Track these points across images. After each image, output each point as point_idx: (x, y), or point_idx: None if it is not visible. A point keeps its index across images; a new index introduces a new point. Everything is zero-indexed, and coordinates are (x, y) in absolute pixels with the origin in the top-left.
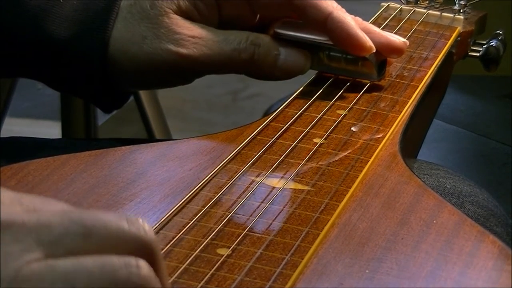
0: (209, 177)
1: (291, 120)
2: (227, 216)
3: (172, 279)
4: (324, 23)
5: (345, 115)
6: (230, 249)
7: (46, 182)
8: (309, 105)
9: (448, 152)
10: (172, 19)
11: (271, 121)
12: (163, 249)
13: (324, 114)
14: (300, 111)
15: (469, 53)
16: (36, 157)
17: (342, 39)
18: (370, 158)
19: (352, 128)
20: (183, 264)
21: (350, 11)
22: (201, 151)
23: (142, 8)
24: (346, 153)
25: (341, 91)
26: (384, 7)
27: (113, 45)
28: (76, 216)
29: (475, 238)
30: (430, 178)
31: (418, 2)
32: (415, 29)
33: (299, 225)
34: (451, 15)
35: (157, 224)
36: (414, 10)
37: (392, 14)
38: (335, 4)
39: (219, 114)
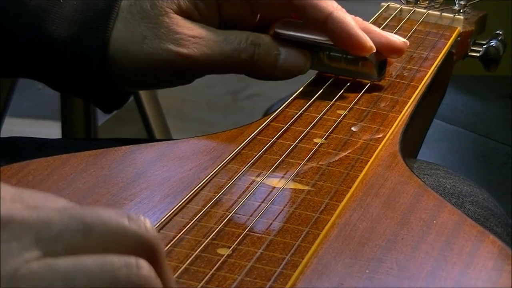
0: (209, 177)
1: (291, 120)
2: (228, 216)
3: None
4: (324, 23)
5: (345, 115)
6: (231, 249)
7: (46, 182)
8: (309, 105)
9: (448, 152)
10: (173, 19)
11: (271, 121)
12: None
13: (324, 114)
14: (300, 111)
15: (469, 53)
16: (36, 157)
17: (342, 39)
18: (370, 158)
19: (352, 128)
20: (184, 264)
21: (350, 11)
22: (201, 151)
23: (142, 8)
24: (346, 153)
25: (341, 91)
26: (384, 7)
27: (113, 45)
28: (76, 212)
29: (475, 238)
30: (430, 178)
31: (418, 2)
32: (415, 29)
33: (299, 225)
34: (451, 15)
35: (157, 224)
36: (414, 10)
37: (392, 14)
38: (335, 4)
39: (219, 114)
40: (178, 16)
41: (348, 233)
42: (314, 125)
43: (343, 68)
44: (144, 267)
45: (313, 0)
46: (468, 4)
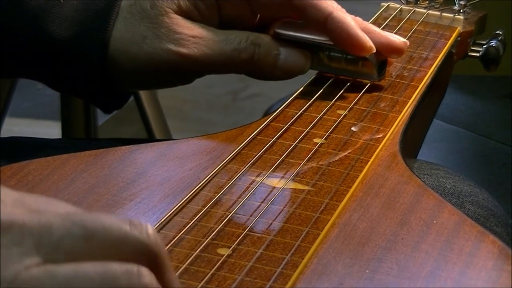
0: (209, 177)
1: (291, 120)
2: (228, 216)
3: None
4: (324, 23)
5: (345, 115)
6: (231, 249)
7: (46, 182)
8: (309, 105)
9: (448, 152)
10: (173, 19)
11: (271, 121)
12: None
13: (324, 114)
14: (300, 111)
15: (469, 53)
16: (36, 157)
17: (342, 39)
18: (370, 158)
19: (352, 128)
20: (184, 264)
21: (350, 11)
22: (201, 151)
23: (142, 8)
24: (346, 153)
25: (341, 91)
26: (384, 7)
27: (113, 45)
28: (78, 218)
29: (475, 238)
30: (430, 178)
31: (418, 2)
32: (415, 29)
33: (299, 225)
34: (451, 15)
35: (157, 224)
36: (414, 10)
37: (392, 14)
38: (335, 4)
39: (219, 114)
40: (178, 16)
41: (348, 233)
42: (314, 125)
43: (343, 68)
44: (146, 275)
45: (313, 0)
46: (468, 4)
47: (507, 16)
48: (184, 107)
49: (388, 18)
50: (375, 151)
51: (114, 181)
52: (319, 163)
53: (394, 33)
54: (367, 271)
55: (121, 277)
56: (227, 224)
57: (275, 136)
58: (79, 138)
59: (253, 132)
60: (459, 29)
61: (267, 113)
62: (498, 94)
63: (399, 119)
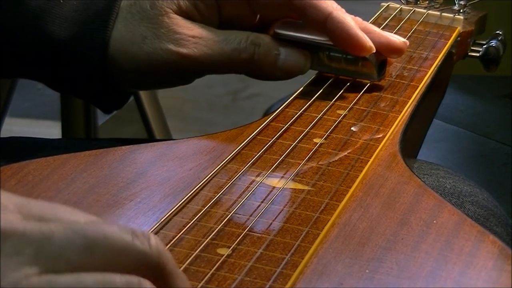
0: (209, 177)
1: (291, 120)
2: (227, 216)
3: None
4: (324, 23)
5: (345, 115)
6: (230, 249)
7: (46, 182)
8: (309, 105)
9: (448, 152)
10: (172, 19)
11: (271, 121)
12: None
13: (324, 114)
14: (300, 111)
15: (469, 53)
16: (36, 157)
17: (342, 40)
18: (370, 158)
19: (352, 128)
20: (184, 264)
21: (350, 11)
22: (201, 151)
23: (142, 8)
24: (346, 153)
25: (341, 91)
26: (384, 7)
27: (113, 45)
28: (80, 228)
29: (475, 238)
30: (430, 178)
31: (418, 2)
32: (415, 29)
33: (299, 225)
34: (451, 15)
35: (157, 224)
36: (414, 10)
37: (392, 14)
38: (335, 5)
39: (219, 114)
40: (178, 16)
41: (348, 233)
42: (314, 125)
43: (343, 68)
44: (147, 287)
45: (313, 0)
46: (468, 4)
47: (507, 16)
48: (184, 107)
49: (388, 18)
50: (375, 151)
51: (114, 181)
52: (319, 163)
53: (394, 33)
54: (367, 271)
55: None
56: (227, 224)
57: (275, 136)
58: (79, 138)
59: (253, 132)
60: (459, 29)
61: (267, 113)
62: (498, 94)
63: (399, 119)
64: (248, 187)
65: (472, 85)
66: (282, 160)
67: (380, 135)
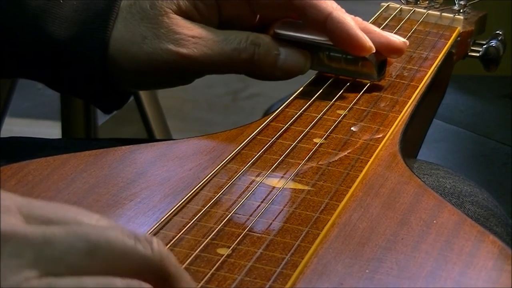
0: (209, 177)
1: (291, 120)
2: (227, 216)
3: None
4: (324, 23)
5: (345, 115)
6: (230, 248)
7: (46, 182)
8: (309, 105)
9: (448, 152)
10: (172, 19)
11: (271, 121)
12: None
13: (324, 114)
14: (300, 111)
15: (469, 53)
16: (36, 157)
17: (342, 40)
18: (370, 158)
19: (352, 128)
20: (183, 264)
21: (350, 11)
22: (201, 151)
23: (142, 8)
24: (346, 153)
25: (341, 91)
26: (384, 7)
27: (113, 45)
28: (82, 231)
29: (475, 238)
30: (430, 178)
31: (418, 2)
32: (415, 29)
33: (299, 225)
34: (451, 15)
35: (157, 224)
36: (414, 10)
37: (392, 14)
38: (334, 5)
39: (219, 114)
40: (177, 16)
41: (348, 233)
42: (314, 125)
43: (343, 68)
44: None
45: (313, 0)
46: (468, 4)
47: (507, 16)
48: (184, 107)
49: (388, 18)
50: (375, 151)
51: (114, 181)
52: (319, 163)
53: (394, 33)
54: (367, 271)
55: None
56: (226, 224)
57: (275, 136)
58: (79, 138)
59: (253, 132)
60: (459, 29)
61: (267, 113)
62: (498, 94)
63: (399, 119)
64: (248, 187)
65: (472, 85)
66: (282, 160)
67: (380, 135)
